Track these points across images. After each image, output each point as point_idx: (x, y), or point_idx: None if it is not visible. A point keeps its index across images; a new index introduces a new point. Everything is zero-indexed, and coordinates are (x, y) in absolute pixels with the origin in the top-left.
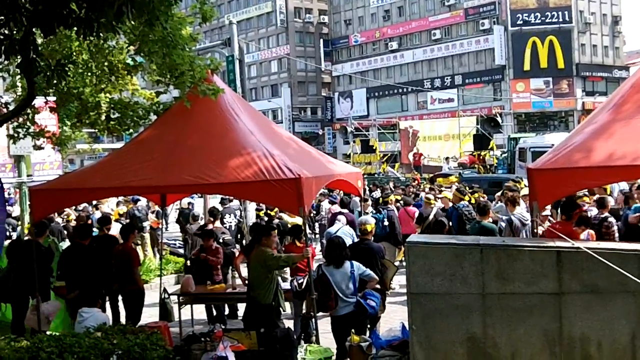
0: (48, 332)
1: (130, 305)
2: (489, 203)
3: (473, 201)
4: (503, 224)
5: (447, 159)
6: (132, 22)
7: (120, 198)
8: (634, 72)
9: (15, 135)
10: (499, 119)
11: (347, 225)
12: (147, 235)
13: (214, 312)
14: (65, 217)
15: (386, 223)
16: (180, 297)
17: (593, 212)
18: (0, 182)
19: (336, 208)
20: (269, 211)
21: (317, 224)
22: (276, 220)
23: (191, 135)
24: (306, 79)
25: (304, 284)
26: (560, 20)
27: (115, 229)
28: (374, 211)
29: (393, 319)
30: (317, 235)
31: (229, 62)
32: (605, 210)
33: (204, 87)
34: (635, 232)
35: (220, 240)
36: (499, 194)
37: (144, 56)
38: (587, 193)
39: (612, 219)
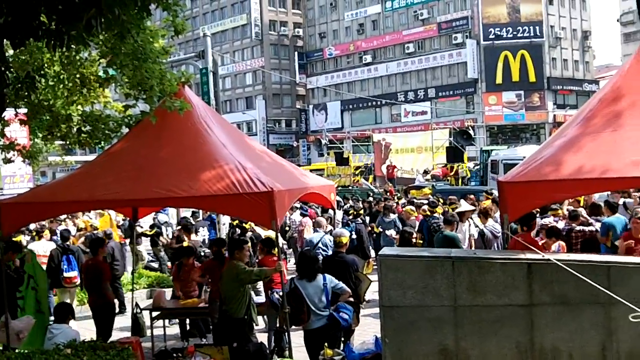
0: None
1: (101, 320)
2: (456, 215)
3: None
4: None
5: (425, 172)
6: (104, 35)
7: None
8: (603, 86)
9: None
10: (471, 131)
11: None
12: (141, 248)
13: (188, 327)
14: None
15: (354, 236)
16: (152, 312)
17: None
18: None
19: (307, 220)
20: (243, 224)
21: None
22: (249, 233)
23: (163, 148)
24: (281, 91)
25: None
26: (532, 34)
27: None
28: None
29: (367, 331)
30: (291, 250)
31: (203, 75)
32: (575, 222)
33: (170, 102)
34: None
35: (202, 254)
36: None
37: (116, 69)
38: (559, 206)
39: (579, 228)
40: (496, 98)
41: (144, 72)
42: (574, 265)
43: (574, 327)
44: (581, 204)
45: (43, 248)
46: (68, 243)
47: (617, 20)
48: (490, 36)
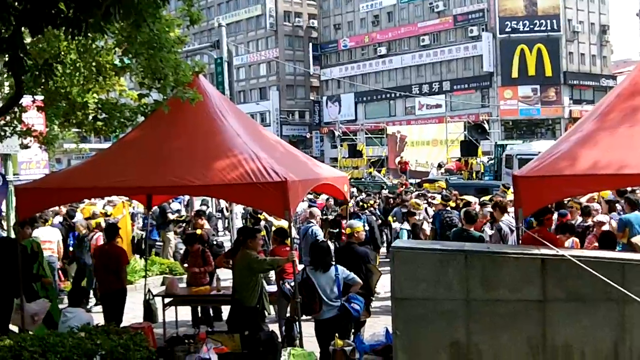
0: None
1: (113, 305)
2: (477, 211)
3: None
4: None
5: (439, 165)
6: (121, 23)
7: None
8: (620, 81)
9: (2, 133)
10: (486, 125)
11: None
12: (170, 235)
13: (199, 314)
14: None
15: (366, 228)
16: (165, 299)
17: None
18: (5, 180)
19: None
20: (258, 215)
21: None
22: (263, 222)
23: (178, 136)
24: (295, 82)
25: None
26: (549, 28)
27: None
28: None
29: (377, 323)
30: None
31: (218, 65)
32: (589, 218)
33: (181, 92)
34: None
35: (214, 242)
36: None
37: (131, 58)
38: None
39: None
40: (512, 92)
41: (158, 61)
42: (589, 262)
43: (587, 323)
44: (596, 200)
45: (48, 234)
46: (74, 221)
47: (637, 15)
48: (507, 29)
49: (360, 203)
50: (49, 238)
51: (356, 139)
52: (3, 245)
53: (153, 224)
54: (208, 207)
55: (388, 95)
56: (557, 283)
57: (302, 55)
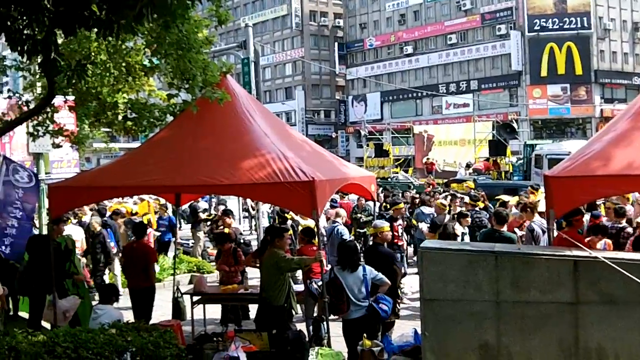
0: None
1: (142, 302)
2: (509, 212)
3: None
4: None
5: (467, 165)
6: (150, 24)
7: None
8: None
9: (35, 133)
10: (515, 125)
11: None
12: (200, 234)
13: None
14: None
15: None
16: (193, 297)
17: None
18: (37, 180)
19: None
20: (285, 214)
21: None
22: (290, 222)
23: (206, 136)
24: (320, 82)
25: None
26: (579, 26)
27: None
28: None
29: (405, 324)
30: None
31: (244, 65)
32: (623, 220)
33: (210, 92)
34: None
35: (241, 241)
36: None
37: (160, 58)
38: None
39: (630, 229)
40: (541, 91)
41: (187, 61)
42: (622, 264)
43: (621, 326)
44: (630, 201)
45: (73, 233)
46: (105, 218)
47: None
48: (536, 27)
49: (384, 203)
50: (74, 237)
51: (382, 138)
52: (36, 243)
53: (166, 224)
54: (225, 206)
55: (414, 95)
56: (590, 285)
57: (327, 55)
